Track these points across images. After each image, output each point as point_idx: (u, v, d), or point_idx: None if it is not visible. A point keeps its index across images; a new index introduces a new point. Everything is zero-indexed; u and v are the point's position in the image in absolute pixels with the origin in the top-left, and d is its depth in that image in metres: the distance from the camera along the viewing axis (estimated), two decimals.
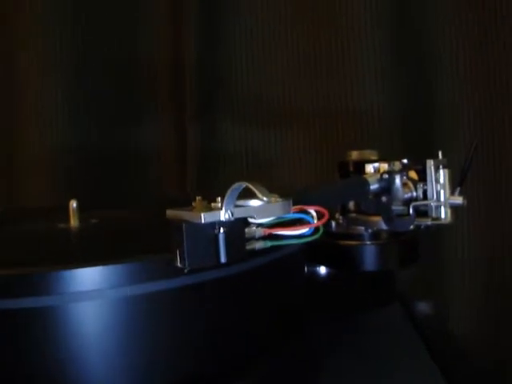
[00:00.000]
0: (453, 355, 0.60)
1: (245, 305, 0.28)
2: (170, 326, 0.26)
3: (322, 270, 0.52)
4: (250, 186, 0.18)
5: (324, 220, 0.21)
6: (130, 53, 0.66)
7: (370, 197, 0.39)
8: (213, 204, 0.20)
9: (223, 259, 0.19)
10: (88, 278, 0.24)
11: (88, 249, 0.31)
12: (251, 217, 0.20)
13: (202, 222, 0.19)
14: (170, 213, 0.20)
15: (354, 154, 0.46)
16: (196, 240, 0.19)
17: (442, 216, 0.42)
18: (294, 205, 0.23)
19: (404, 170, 0.41)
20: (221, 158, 0.64)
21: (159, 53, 0.66)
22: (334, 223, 0.45)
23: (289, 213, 0.21)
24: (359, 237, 0.44)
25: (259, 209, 0.20)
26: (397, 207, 0.41)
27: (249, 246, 0.20)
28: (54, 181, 0.65)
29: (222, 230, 0.19)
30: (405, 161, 0.44)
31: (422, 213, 0.42)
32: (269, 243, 0.21)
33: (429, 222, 0.42)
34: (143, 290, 0.25)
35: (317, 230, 0.22)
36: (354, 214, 0.44)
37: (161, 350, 0.26)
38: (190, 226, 0.18)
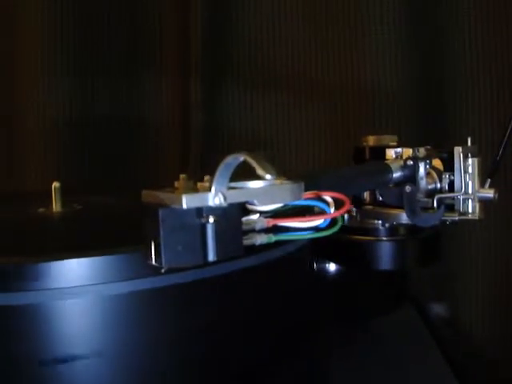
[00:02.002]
0: (466, 356, 0.56)
1: (239, 308, 0.23)
2: (162, 326, 0.21)
3: (332, 266, 0.47)
4: (250, 160, 0.13)
5: (344, 209, 0.16)
6: (133, 18, 0.62)
7: (391, 186, 0.33)
8: (200, 184, 0.14)
9: (212, 256, 0.14)
10: (73, 271, 0.19)
11: (72, 238, 0.27)
12: (250, 203, 0.14)
13: (184, 207, 0.13)
14: (145, 194, 0.15)
15: (372, 140, 0.41)
16: (176, 231, 0.14)
17: (470, 210, 0.36)
18: (305, 190, 0.18)
19: (428, 157, 0.36)
20: (226, 133, 0.59)
21: (165, 19, 0.61)
22: (346, 216, 0.40)
23: (300, 199, 0.16)
24: (374, 232, 0.39)
25: (261, 192, 0.14)
26: (420, 199, 0.36)
27: (247, 241, 0.15)
28: (52, 154, 0.61)
29: (211, 218, 0.14)
30: (428, 147, 0.39)
31: (446, 206, 0.37)
32: (273, 238, 0.16)
33: (456, 217, 0.36)
34: (130, 288, 0.20)
35: (334, 221, 0.17)
36: (369, 206, 0.39)
37: (154, 354, 0.21)
38: (168, 212, 0.13)
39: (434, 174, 0.38)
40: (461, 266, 0.60)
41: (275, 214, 0.16)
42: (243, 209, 0.16)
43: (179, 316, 0.21)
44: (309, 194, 0.16)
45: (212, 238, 0.14)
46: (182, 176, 0.15)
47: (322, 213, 0.16)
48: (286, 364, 0.27)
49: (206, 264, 0.14)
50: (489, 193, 0.36)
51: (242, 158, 0.13)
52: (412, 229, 0.39)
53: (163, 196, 0.14)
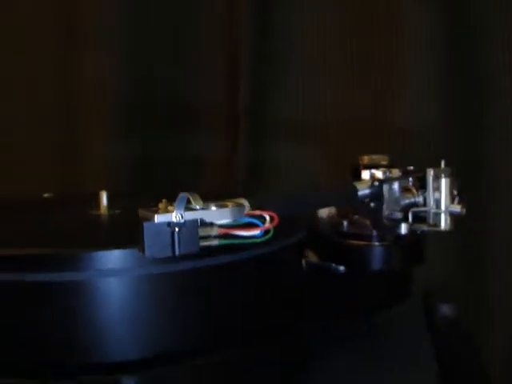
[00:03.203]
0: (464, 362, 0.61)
1: (240, 288, 0.32)
2: (174, 302, 0.30)
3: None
4: (189, 196, 0.22)
5: (273, 224, 0.25)
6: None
7: (367, 201, 0.41)
8: (170, 207, 0.24)
9: (177, 252, 0.23)
10: (110, 258, 0.29)
11: (113, 233, 0.37)
12: (202, 219, 0.24)
13: (156, 221, 0.23)
14: (141, 212, 0.24)
15: (366, 159, 0.48)
16: (154, 236, 0.23)
17: (442, 223, 0.44)
18: (260, 209, 0.27)
19: (405, 176, 0.43)
20: (268, 169, 0.70)
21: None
22: (345, 222, 0.48)
23: (240, 217, 0.25)
24: (367, 237, 0.47)
25: (209, 213, 0.24)
26: (395, 212, 0.43)
27: (204, 243, 0.24)
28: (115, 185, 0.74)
29: (176, 228, 0.23)
30: (411, 168, 0.46)
31: (423, 218, 0.44)
32: (223, 241, 0.25)
33: (425, 227, 0.44)
34: (151, 271, 0.29)
35: (267, 231, 0.26)
36: (356, 216, 0.47)
37: (168, 321, 0.30)
38: (148, 224, 0.23)
39: (414, 190, 0.45)
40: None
41: (229, 226, 0.25)
42: (209, 222, 0.25)
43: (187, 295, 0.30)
44: (249, 213, 0.25)
45: (177, 240, 0.23)
46: (164, 200, 0.24)
47: (256, 226, 0.25)
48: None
49: (175, 257, 0.23)
50: (457, 208, 0.43)
51: (186, 195, 0.22)
52: (399, 236, 0.46)
53: (147, 214, 0.23)
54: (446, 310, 0.66)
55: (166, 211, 0.23)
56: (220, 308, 0.30)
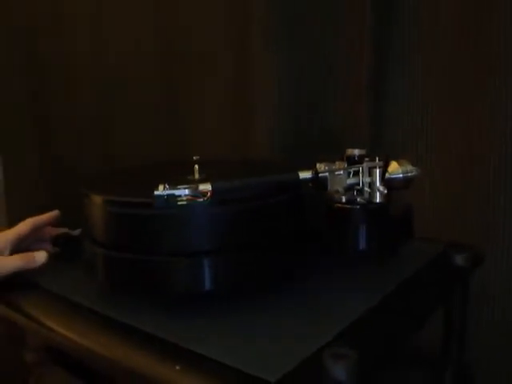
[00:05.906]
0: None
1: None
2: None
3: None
4: (167, 185, 0.61)
5: (207, 197, 0.62)
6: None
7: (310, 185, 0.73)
8: (161, 187, 0.63)
9: (166, 205, 0.63)
10: None
11: None
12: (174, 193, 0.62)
13: (155, 193, 0.63)
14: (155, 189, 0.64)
15: (349, 151, 0.79)
16: (159, 199, 0.63)
17: (377, 198, 0.73)
18: (216, 188, 0.64)
19: (346, 168, 0.73)
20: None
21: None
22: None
23: (196, 193, 0.63)
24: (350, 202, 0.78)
25: (178, 191, 0.62)
26: (340, 188, 0.74)
27: (180, 202, 0.63)
28: None
29: (165, 196, 0.63)
30: (366, 159, 0.75)
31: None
32: (188, 202, 0.63)
33: (360, 199, 0.74)
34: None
35: (207, 199, 0.63)
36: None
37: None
38: (155, 194, 0.63)
39: (360, 175, 0.75)
40: None
41: (194, 195, 0.64)
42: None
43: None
44: (200, 190, 0.62)
45: (167, 200, 0.63)
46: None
47: (199, 197, 0.62)
48: None
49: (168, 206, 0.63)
50: (381, 188, 0.72)
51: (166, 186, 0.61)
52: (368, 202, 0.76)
53: (156, 189, 0.63)
54: (459, 260, 0.88)
55: (160, 189, 0.63)
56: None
